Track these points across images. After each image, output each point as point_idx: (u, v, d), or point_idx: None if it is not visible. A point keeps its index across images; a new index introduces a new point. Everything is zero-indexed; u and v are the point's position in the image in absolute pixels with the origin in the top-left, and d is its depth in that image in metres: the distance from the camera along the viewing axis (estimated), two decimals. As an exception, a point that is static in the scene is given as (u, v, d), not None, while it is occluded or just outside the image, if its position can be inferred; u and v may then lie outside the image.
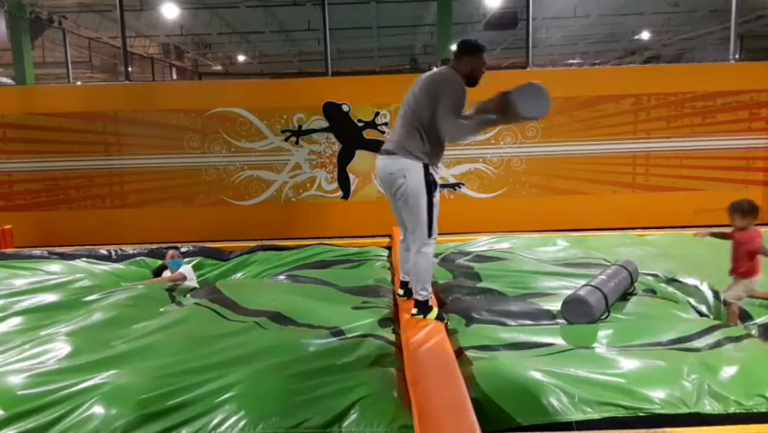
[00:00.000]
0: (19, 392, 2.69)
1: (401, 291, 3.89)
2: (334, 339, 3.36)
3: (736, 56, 8.80)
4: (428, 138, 3.31)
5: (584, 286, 3.78)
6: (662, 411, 2.59)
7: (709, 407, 2.63)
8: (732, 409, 2.62)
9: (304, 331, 3.49)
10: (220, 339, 3.35)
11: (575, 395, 2.64)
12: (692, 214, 7.84)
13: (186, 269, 5.31)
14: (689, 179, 8.00)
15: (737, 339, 3.23)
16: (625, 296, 4.08)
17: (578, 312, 3.54)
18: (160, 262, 5.63)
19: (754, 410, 2.62)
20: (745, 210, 3.74)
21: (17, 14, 8.91)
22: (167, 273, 5.31)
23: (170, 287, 4.79)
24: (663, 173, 8.02)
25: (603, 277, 3.95)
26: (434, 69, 3.53)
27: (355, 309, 3.89)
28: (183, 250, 5.85)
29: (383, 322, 3.66)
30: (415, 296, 3.52)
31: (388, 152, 3.42)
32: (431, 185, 3.34)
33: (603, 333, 3.37)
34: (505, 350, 3.18)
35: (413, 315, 3.50)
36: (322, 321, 3.61)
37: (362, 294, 4.29)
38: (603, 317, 3.62)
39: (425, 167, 3.32)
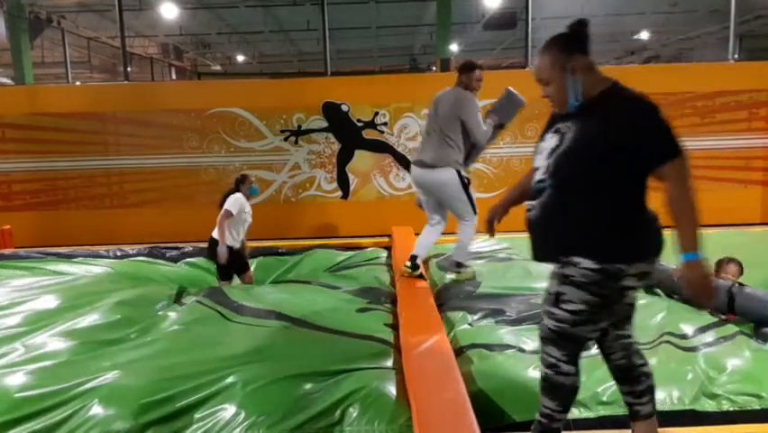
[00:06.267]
0: (16, 395, 2.68)
1: (408, 264, 4.27)
2: (336, 340, 3.35)
3: (736, 56, 8.79)
4: (459, 148, 4.04)
5: None
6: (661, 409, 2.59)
7: (707, 405, 2.64)
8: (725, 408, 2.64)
9: (306, 332, 3.48)
10: (222, 340, 3.33)
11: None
12: (692, 214, 7.84)
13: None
14: (688, 179, 7.99)
15: (731, 337, 3.24)
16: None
17: None
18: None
19: (747, 408, 2.63)
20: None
21: (16, 14, 8.91)
22: (247, 210, 5.47)
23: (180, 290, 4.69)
24: (663, 173, 8.01)
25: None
26: (447, 91, 4.16)
27: (358, 312, 3.88)
28: (185, 250, 5.85)
29: (384, 323, 3.65)
30: (455, 258, 4.34)
31: (425, 164, 4.06)
32: (466, 186, 4.13)
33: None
34: (504, 350, 3.16)
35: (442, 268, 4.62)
36: (324, 323, 3.60)
37: (365, 295, 4.29)
38: None
39: (458, 173, 4.07)
